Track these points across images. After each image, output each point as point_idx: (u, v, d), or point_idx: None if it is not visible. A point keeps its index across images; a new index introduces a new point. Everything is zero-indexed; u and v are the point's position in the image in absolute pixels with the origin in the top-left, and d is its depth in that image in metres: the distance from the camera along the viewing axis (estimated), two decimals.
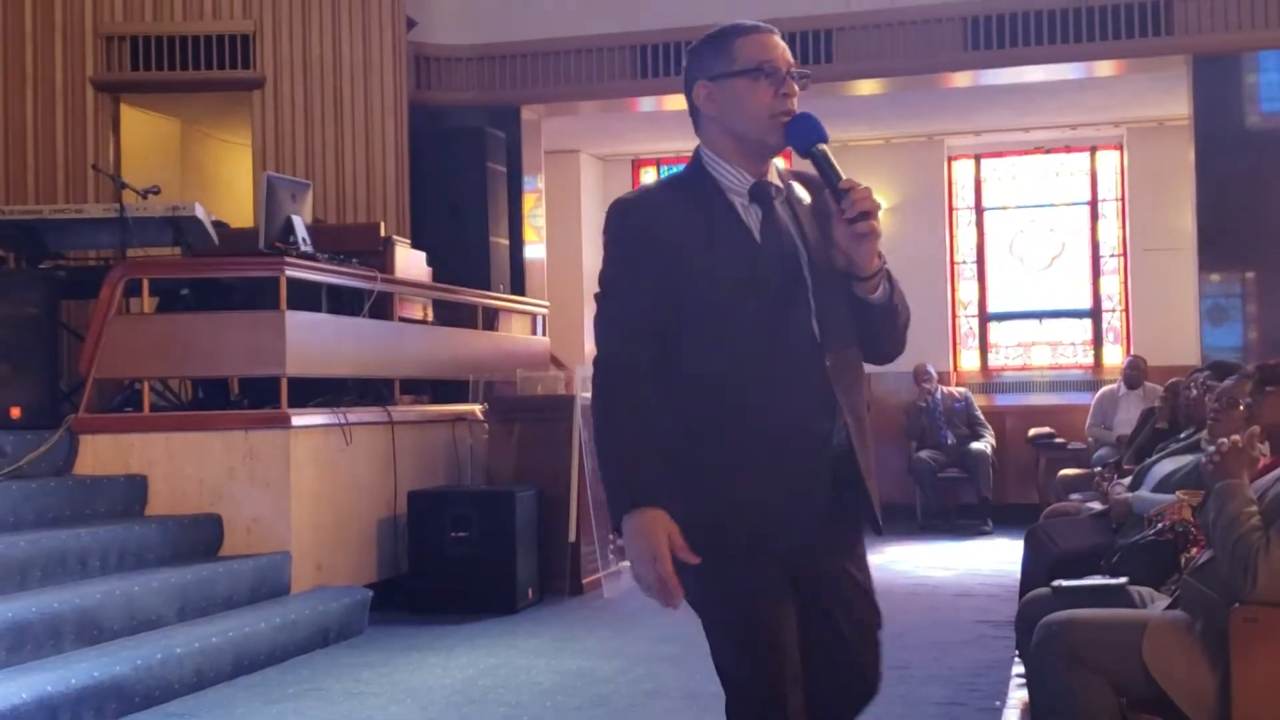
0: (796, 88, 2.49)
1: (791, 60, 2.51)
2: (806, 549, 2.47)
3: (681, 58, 9.06)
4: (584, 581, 7.68)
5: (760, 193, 2.50)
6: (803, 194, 2.55)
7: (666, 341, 2.45)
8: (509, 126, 10.06)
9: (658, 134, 11.82)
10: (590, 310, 11.48)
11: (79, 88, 9.06)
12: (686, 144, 12.09)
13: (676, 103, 10.35)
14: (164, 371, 6.93)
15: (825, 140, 2.42)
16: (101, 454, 6.37)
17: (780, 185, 2.53)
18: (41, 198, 8.81)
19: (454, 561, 6.94)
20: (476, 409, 7.93)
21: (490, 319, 8.96)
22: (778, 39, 2.52)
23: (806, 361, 2.44)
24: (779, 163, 2.59)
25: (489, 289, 9.21)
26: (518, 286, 9.99)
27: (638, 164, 12.78)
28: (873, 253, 2.41)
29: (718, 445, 2.42)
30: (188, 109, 10.19)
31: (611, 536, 7.66)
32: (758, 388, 2.42)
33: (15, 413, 6.40)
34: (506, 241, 9.86)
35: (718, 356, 2.42)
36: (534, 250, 10.49)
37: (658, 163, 12.73)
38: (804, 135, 2.44)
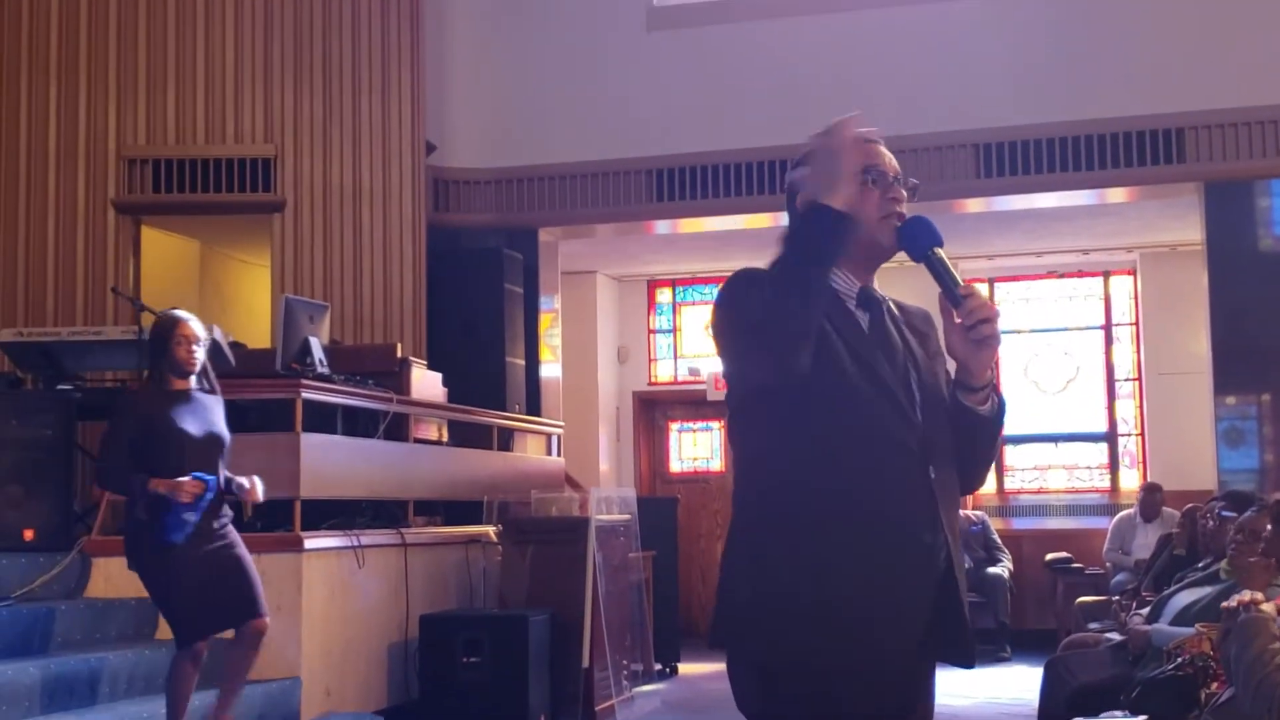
0: (905, 194, 2.45)
1: (898, 168, 2.47)
2: (901, 685, 2.36)
3: (695, 182, 9.13)
4: (597, 708, 7.56)
5: (869, 298, 2.46)
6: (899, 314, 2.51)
7: (766, 439, 2.36)
8: (526, 248, 10.16)
9: (673, 256, 11.92)
10: (606, 430, 11.45)
11: (100, 209, 9.19)
12: (701, 265, 12.29)
13: (692, 225, 10.48)
14: None
15: (940, 244, 2.38)
16: (113, 576, 6.34)
17: (884, 297, 2.50)
18: (61, 319, 8.88)
19: (466, 687, 6.86)
20: (490, 530, 7.90)
21: (505, 439, 8.96)
22: (883, 147, 2.48)
23: (915, 470, 2.34)
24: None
25: (504, 409, 9.22)
26: (533, 407, 10.01)
27: (653, 285, 12.86)
28: (990, 361, 2.37)
29: (822, 553, 2.27)
30: (208, 230, 10.32)
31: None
32: (873, 489, 2.30)
33: (28, 535, 6.39)
34: (522, 361, 9.90)
35: (827, 451, 2.30)
36: (550, 370, 10.53)
37: (673, 284, 12.82)
38: (918, 238, 2.39)
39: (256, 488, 5.25)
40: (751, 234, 10.76)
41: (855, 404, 2.33)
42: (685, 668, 9.98)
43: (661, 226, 10.58)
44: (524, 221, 10.25)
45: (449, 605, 7.46)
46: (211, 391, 5.35)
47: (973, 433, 2.42)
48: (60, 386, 7.15)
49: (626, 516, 8.29)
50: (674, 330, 12.85)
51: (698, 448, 12.84)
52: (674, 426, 12.88)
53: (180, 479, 4.97)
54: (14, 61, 9.24)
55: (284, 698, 6.23)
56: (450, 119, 10.17)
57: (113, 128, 9.25)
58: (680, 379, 12.74)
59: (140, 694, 5.76)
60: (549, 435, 9.77)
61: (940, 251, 2.37)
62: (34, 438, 6.54)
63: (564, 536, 7.56)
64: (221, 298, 10.80)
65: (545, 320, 10.43)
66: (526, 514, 7.97)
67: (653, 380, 12.84)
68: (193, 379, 5.27)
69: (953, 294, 2.34)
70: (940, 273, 2.36)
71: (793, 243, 2.34)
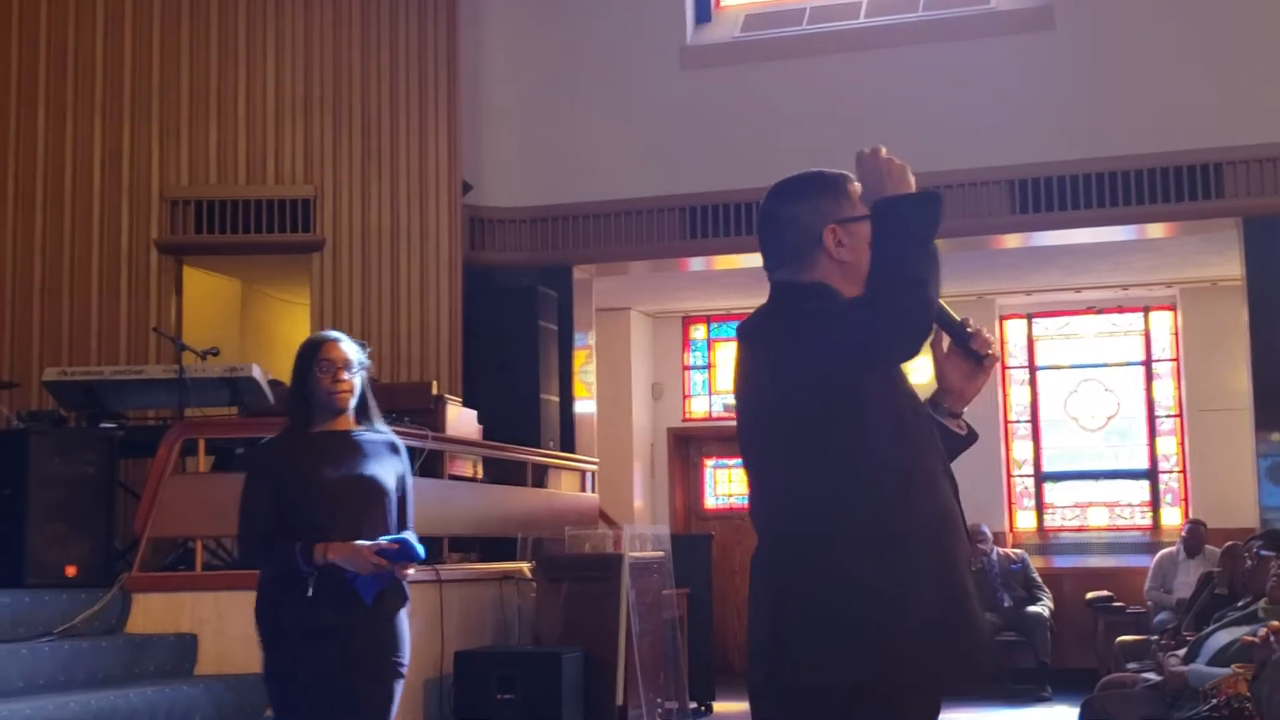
0: None
1: None
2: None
3: (729, 219, 9.15)
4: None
5: None
6: None
7: (839, 461, 2.43)
8: (560, 285, 10.22)
9: (707, 292, 11.96)
10: (641, 467, 11.45)
11: (144, 249, 9.31)
12: (735, 302, 12.31)
13: (726, 262, 10.51)
14: (217, 530, 6.99)
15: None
16: (153, 613, 6.41)
17: None
18: (104, 358, 9.00)
19: None
20: (525, 567, 7.92)
21: (540, 476, 8.99)
22: None
23: (951, 484, 2.54)
24: None
25: (539, 446, 9.26)
26: (568, 443, 10.04)
27: (688, 321, 12.90)
28: (979, 390, 2.61)
29: (923, 557, 2.40)
30: (249, 270, 10.43)
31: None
32: (944, 497, 2.48)
33: (70, 571, 6.46)
34: (557, 398, 9.95)
35: (906, 469, 2.45)
36: (584, 406, 10.56)
37: (707, 320, 12.85)
38: None
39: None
40: None
41: (918, 425, 2.50)
42: (720, 706, 9.93)
43: (696, 263, 10.61)
44: (558, 259, 10.31)
45: (484, 641, 7.48)
46: (375, 432, 4.17)
47: (952, 454, 2.63)
48: (103, 425, 7.25)
49: (660, 554, 8.29)
50: (709, 366, 12.87)
51: (733, 484, 12.83)
52: (709, 463, 12.88)
53: (361, 542, 3.88)
54: (60, 103, 9.41)
55: None
56: (486, 159, 10.26)
57: (156, 169, 9.39)
58: (715, 415, 12.75)
59: None
60: (583, 472, 9.80)
61: (943, 302, 2.53)
62: (77, 475, 6.62)
63: (598, 574, 7.57)
64: (262, 336, 10.90)
65: (579, 357, 10.47)
66: (561, 551, 8.00)
67: (687, 416, 12.85)
68: (350, 415, 4.12)
69: (961, 332, 2.55)
70: (945, 314, 2.52)
71: (908, 227, 2.40)
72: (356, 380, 4.08)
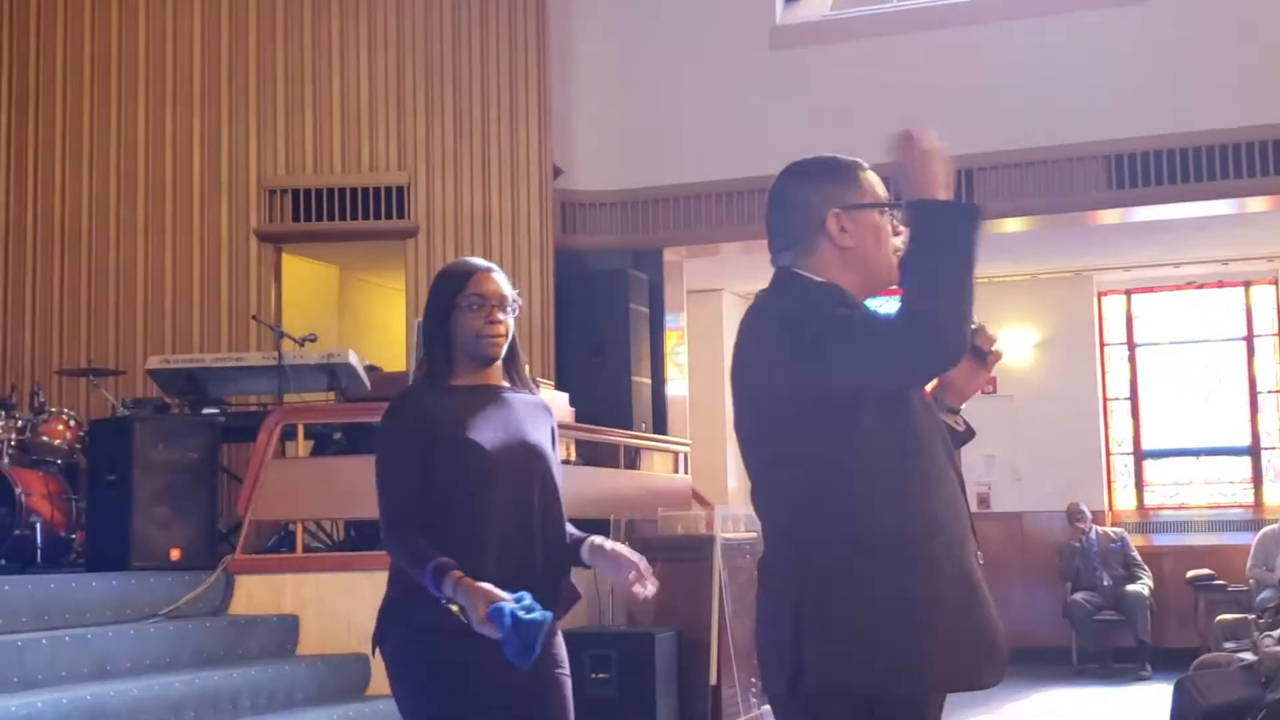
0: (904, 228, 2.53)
1: None
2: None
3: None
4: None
5: None
6: None
7: (847, 464, 2.41)
8: (651, 268, 10.26)
9: None
10: (734, 446, 11.47)
11: (243, 238, 9.51)
12: None
13: None
14: (317, 513, 7.15)
15: None
16: (255, 594, 6.57)
17: None
18: (206, 345, 9.22)
19: (594, 703, 6.91)
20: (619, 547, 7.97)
21: (632, 458, 9.05)
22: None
23: (959, 484, 2.51)
24: None
25: (631, 428, 9.32)
26: (660, 425, 10.10)
27: None
28: (980, 388, 2.57)
29: (943, 573, 2.38)
30: (346, 257, 10.61)
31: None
32: (947, 500, 2.44)
33: (175, 554, 6.64)
34: (649, 380, 10.00)
35: (921, 475, 2.42)
36: (676, 388, 10.60)
37: None
38: None
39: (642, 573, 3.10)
40: None
41: (930, 426, 2.46)
42: None
43: None
44: (649, 242, 10.34)
45: (577, 622, 7.56)
46: (528, 391, 3.36)
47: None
48: (205, 411, 7.44)
49: (753, 534, 8.31)
50: None
51: None
52: None
53: (489, 588, 2.88)
54: (159, 94, 9.63)
55: None
56: (576, 142, 10.33)
57: (254, 158, 9.58)
58: None
59: (280, 709, 5.94)
60: (676, 453, 9.84)
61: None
62: (180, 461, 6.79)
63: (691, 554, 7.61)
64: (359, 322, 11.09)
65: (671, 339, 10.51)
66: (653, 532, 8.05)
67: None
68: (499, 368, 3.28)
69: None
70: None
71: (958, 242, 2.33)
72: (510, 322, 3.24)
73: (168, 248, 9.53)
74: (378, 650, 3.24)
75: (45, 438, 7.56)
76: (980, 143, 9.47)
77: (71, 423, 7.67)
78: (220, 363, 7.61)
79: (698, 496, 9.73)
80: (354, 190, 9.54)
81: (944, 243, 2.30)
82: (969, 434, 2.63)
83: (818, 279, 2.48)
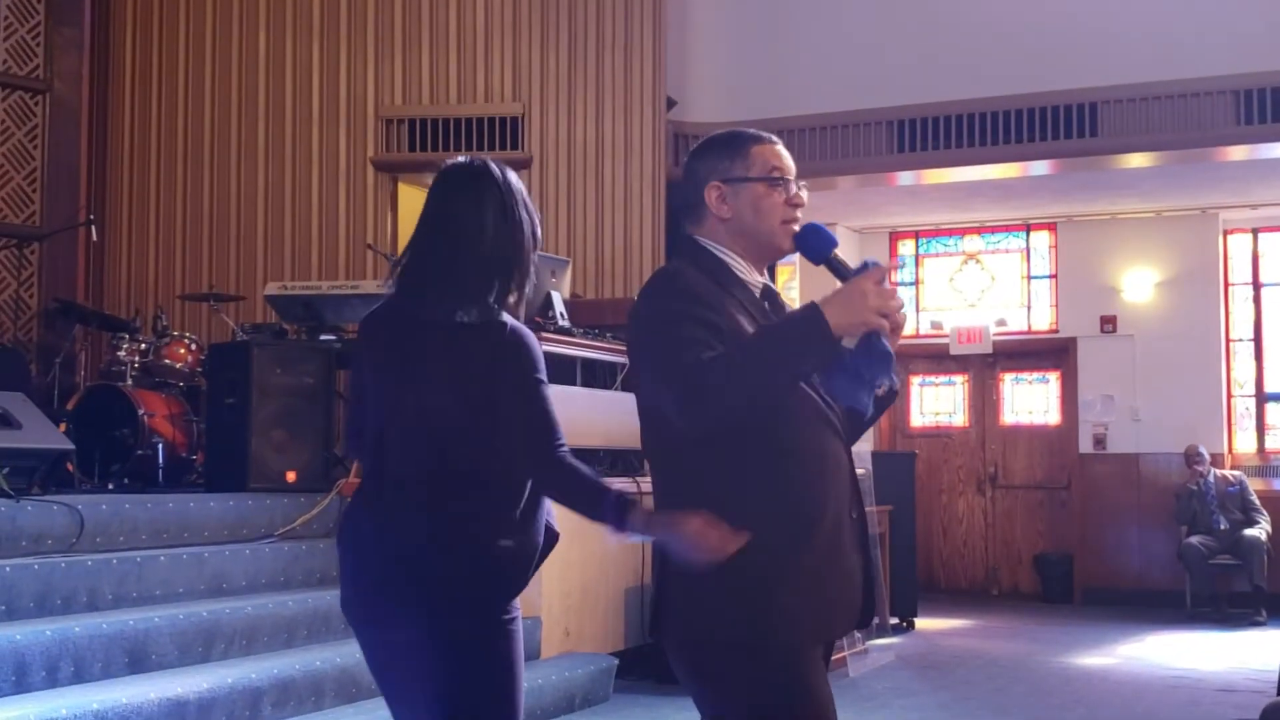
0: (804, 199, 2.59)
1: (794, 170, 2.61)
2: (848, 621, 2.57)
3: (939, 132, 8.93)
4: (829, 660, 7.61)
5: (769, 290, 2.62)
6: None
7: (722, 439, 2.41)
8: None
9: (916, 207, 11.75)
10: None
11: (360, 168, 9.63)
12: (945, 216, 12.07)
13: (936, 176, 10.31)
14: None
15: (836, 245, 2.54)
16: None
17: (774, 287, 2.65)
18: (324, 273, 9.38)
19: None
20: None
21: None
22: (785, 150, 2.64)
23: (840, 448, 2.51)
24: None
25: None
26: None
27: (895, 236, 12.71)
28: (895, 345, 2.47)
29: (793, 527, 2.42)
30: None
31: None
32: (819, 469, 2.45)
33: (291, 476, 6.80)
34: None
35: (784, 444, 2.44)
36: None
37: (916, 235, 12.64)
38: (816, 244, 2.54)
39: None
40: (997, 184, 10.53)
41: (800, 400, 2.45)
42: (922, 622, 9.93)
43: (904, 178, 10.43)
44: None
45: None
46: None
47: (861, 417, 2.57)
48: (322, 337, 7.58)
49: (861, 471, 8.27)
50: (916, 283, 12.68)
51: (939, 402, 12.68)
52: (915, 380, 12.74)
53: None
54: (279, 25, 9.75)
55: (525, 636, 6.46)
56: (690, 74, 10.25)
57: (371, 88, 9.67)
58: (921, 332, 12.58)
59: None
60: None
61: (839, 253, 2.51)
62: (297, 385, 6.94)
63: None
64: None
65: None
66: None
67: None
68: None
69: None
70: (844, 274, 2.44)
71: (791, 345, 2.34)
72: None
73: (287, 174, 9.69)
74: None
75: (167, 360, 7.77)
76: (1103, 75, 9.23)
77: (193, 346, 7.87)
78: (336, 290, 7.73)
79: None
80: (469, 120, 9.59)
81: (791, 350, 2.34)
82: (890, 397, 2.59)
83: (712, 248, 2.57)
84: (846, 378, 2.42)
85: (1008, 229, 12.34)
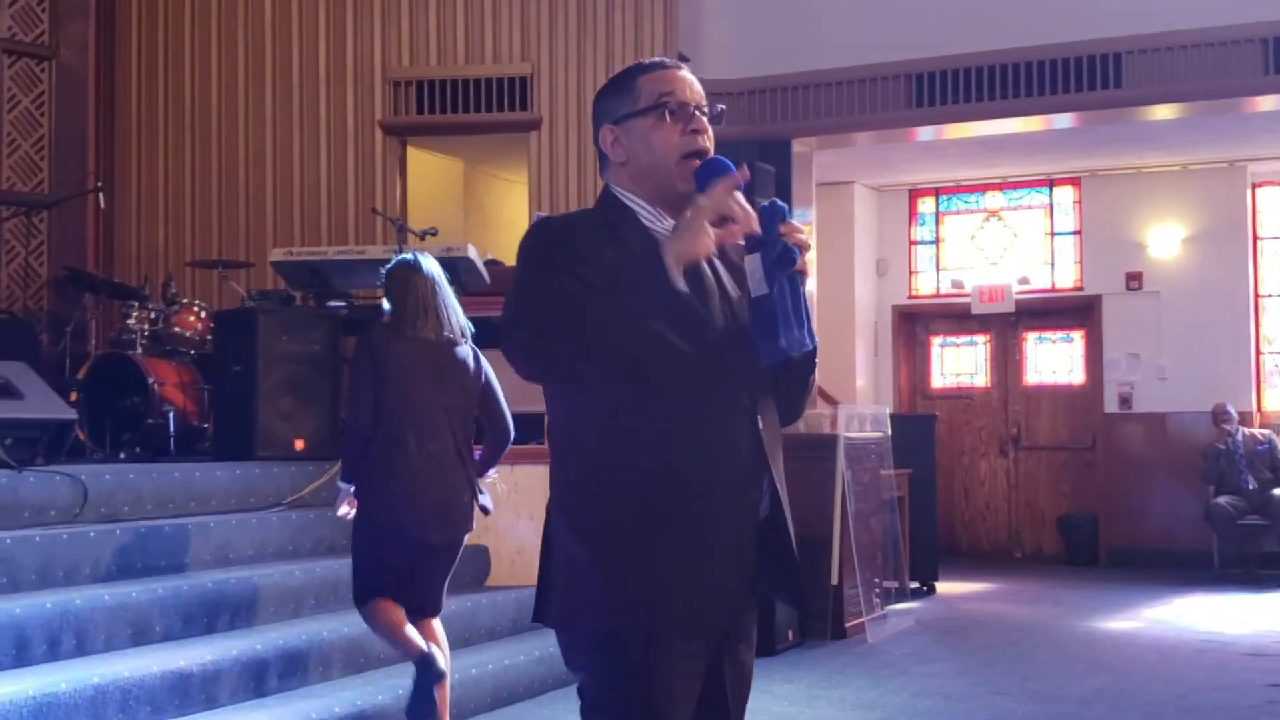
0: (708, 124, 2.31)
1: (701, 95, 2.32)
2: (723, 632, 2.30)
3: (960, 85, 8.68)
4: (846, 625, 7.52)
5: None
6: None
7: (575, 392, 2.24)
8: (779, 159, 9.97)
9: (936, 163, 11.56)
10: (863, 345, 11.28)
11: (369, 131, 9.49)
12: (967, 173, 11.88)
13: (956, 131, 10.11)
14: None
15: (741, 187, 2.23)
16: None
17: None
18: (333, 239, 9.26)
19: None
20: None
21: None
22: (685, 74, 2.34)
23: (739, 422, 2.26)
24: None
25: None
26: None
27: (915, 194, 12.52)
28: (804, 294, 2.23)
29: (646, 513, 2.20)
30: (470, 150, 10.54)
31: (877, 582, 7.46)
32: (692, 449, 2.21)
33: (299, 444, 6.71)
34: None
35: (644, 409, 2.20)
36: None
37: (936, 192, 12.45)
38: (715, 179, 2.23)
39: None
40: (1021, 138, 10.33)
41: (677, 365, 2.20)
42: (943, 586, 9.82)
43: (924, 133, 10.23)
44: (777, 132, 10.06)
45: None
46: None
47: (790, 373, 2.33)
48: (329, 303, 7.47)
49: (879, 434, 8.15)
50: (936, 241, 12.50)
51: (961, 363, 12.51)
52: (935, 341, 12.58)
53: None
54: None
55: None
56: (703, 30, 10.05)
57: (378, 50, 9.52)
58: (943, 292, 12.41)
59: None
60: None
61: (740, 195, 2.20)
62: (304, 352, 6.84)
63: (812, 453, 7.50)
64: (484, 215, 11.05)
65: None
66: None
67: (913, 293, 12.54)
68: None
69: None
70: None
71: (627, 288, 2.14)
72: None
73: (295, 139, 9.56)
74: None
75: (177, 328, 7.67)
76: (1127, 24, 9.01)
77: (202, 314, 7.77)
78: (342, 255, 7.61)
79: (824, 394, 9.58)
80: (477, 81, 9.43)
81: (628, 293, 2.12)
82: (809, 364, 2.36)
83: (620, 195, 2.33)
84: (757, 328, 2.23)
85: (1030, 184, 12.14)
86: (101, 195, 8.54)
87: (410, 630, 4.61)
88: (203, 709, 4.69)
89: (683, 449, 2.21)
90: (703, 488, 2.22)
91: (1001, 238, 12.26)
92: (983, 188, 12.30)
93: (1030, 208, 12.17)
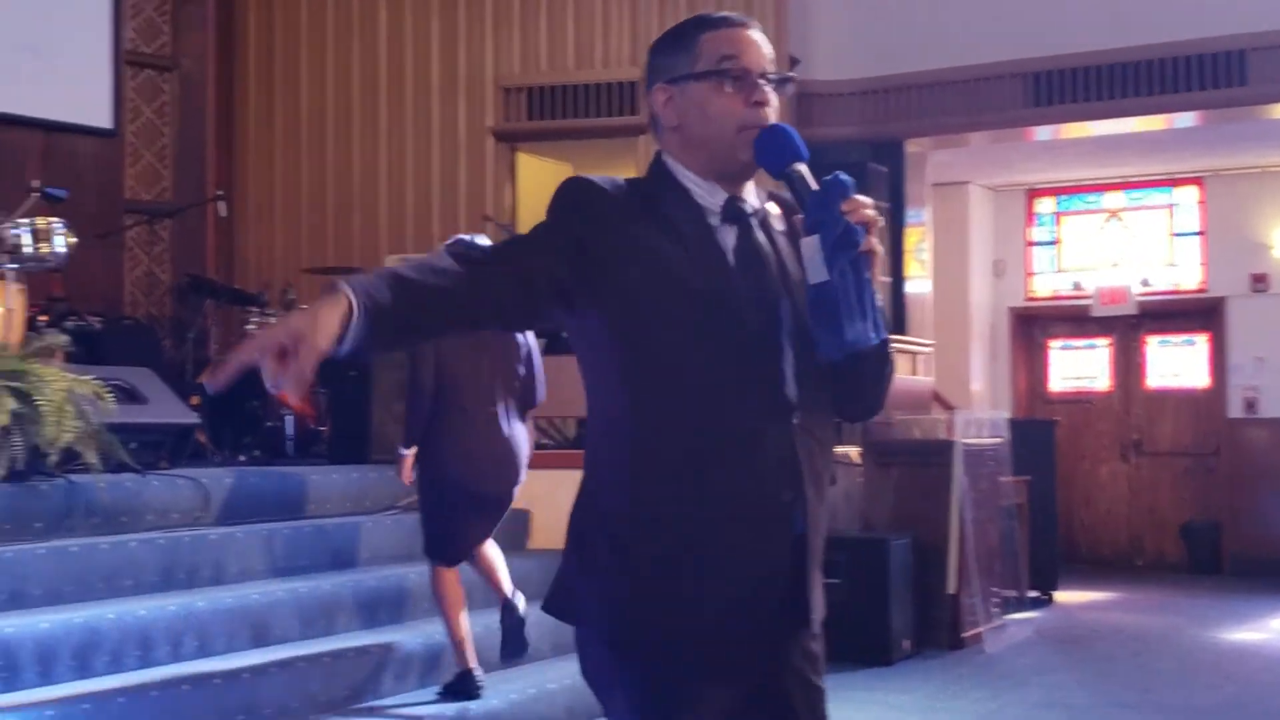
0: (773, 96, 2.08)
1: (769, 59, 2.09)
2: (763, 656, 2.08)
3: (1079, 84, 8.52)
4: (964, 635, 7.40)
5: (734, 211, 2.09)
6: (780, 224, 2.15)
7: (604, 390, 2.09)
8: (892, 160, 9.88)
9: (1055, 163, 11.36)
10: (979, 349, 11.10)
11: (480, 138, 9.56)
12: (1086, 172, 11.65)
13: (1075, 130, 9.91)
14: (550, 411, 7.16)
15: (803, 158, 2.03)
16: None
17: (759, 207, 2.13)
18: None
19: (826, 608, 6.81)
20: (853, 451, 7.80)
21: None
22: (753, 33, 2.11)
23: (773, 418, 2.03)
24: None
25: None
26: (900, 324, 9.77)
27: (1032, 194, 12.30)
28: (874, 280, 1.98)
29: (667, 520, 2.02)
30: (579, 155, 10.55)
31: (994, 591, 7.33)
32: (720, 448, 2.01)
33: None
34: (889, 278, 9.68)
35: (671, 402, 2.01)
36: (916, 286, 10.22)
37: (1055, 192, 12.22)
38: (776, 153, 2.03)
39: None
40: (1142, 137, 10.11)
41: (707, 354, 2.01)
42: (1063, 595, 9.62)
43: (1042, 133, 10.06)
44: (890, 133, 9.95)
45: None
46: None
47: (858, 364, 2.04)
48: None
49: (997, 440, 8.01)
50: (1055, 242, 12.26)
51: (1080, 366, 12.26)
52: (1054, 344, 12.34)
53: None
54: None
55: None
56: (813, 31, 9.96)
57: (490, 58, 9.58)
58: (1061, 294, 12.17)
59: None
60: (916, 354, 9.53)
61: (801, 167, 2.01)
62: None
63: (929, 459, 7.40)
64: None
65: (913, 235, 10.13)
66: (890, 435, 7.84)
67: (1031, 295, 12.32)
68: None
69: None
70: (801, 192, 2.01)
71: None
72: None
73: (408, 146, 9.66)
74: None
75: None
76: (1251, 20, 8.77)
77: None
78: None
79: (939, 399, 9.45)
80: (587, 87, 9.45)
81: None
82: (883, 358, 2.11)
83: (672, 167, 2.12)
84: (816, 318, 2.00)
85: (1152, 184, 11.86)
86: (222, 203, 8.69)
87: (464, 617, 5.05)
88: (323, 712, 4.74)
89: (707, 457, 2.02)
90: (724, 485, 2.01)
91: (1122, 239, 12.00)
92: (1103, 188, 12.05)
93: (1152, 208, 11.89)
